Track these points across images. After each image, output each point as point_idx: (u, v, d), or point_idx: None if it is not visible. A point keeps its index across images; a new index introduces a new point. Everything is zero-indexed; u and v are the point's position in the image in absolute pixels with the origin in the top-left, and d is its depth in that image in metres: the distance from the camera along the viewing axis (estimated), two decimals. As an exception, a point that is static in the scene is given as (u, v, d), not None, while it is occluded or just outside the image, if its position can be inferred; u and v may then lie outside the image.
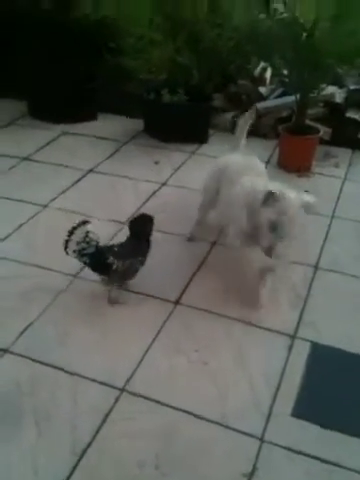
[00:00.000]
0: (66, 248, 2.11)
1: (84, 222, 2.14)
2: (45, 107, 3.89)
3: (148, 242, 2.23)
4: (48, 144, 3.58)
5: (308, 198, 2.03)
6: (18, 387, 1.85)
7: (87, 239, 2.11)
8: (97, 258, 2.13)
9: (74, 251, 2.11)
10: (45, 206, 2.90)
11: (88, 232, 2.12)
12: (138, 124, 3.88)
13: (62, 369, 1.93)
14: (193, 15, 4.01)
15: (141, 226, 2.23)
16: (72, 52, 4.02)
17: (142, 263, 2.21)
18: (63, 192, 3.04)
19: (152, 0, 4.33)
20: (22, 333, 2.07)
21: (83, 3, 4.44)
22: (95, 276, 2.29)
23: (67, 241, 2.10)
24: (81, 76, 3.89)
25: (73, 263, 2.41)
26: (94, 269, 2.18)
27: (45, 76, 3.85)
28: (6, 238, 2.62)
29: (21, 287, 2.30)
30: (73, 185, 3.12)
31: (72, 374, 1.91)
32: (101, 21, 4.44)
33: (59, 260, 2.43)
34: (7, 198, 2.94)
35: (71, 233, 2.10)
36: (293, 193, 2.02)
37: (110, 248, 2.18)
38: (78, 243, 2.10)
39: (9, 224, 2.71)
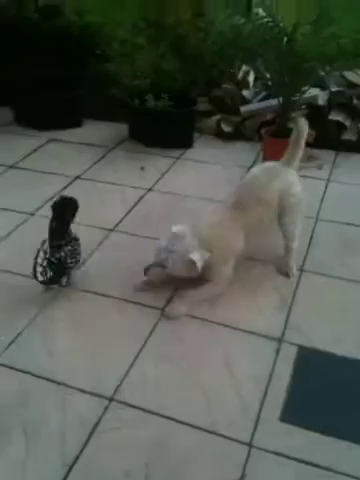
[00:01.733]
0: (36, 278, 2.18)
1: (43, 242, 2.22)
2: (31, 114, 3.88)
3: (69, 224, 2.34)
4: (35, 151, 3.58)
5: (196, 258, 2.16)
6: (6, 399, 1.85)
7: (47, 256, 2.19)
8: (56, 265, 2.22)
9: (41, 274, 2.17)
10: (32, 214, 2.89)
11: (45, 250, 2.20)
12: (123, 130, 3.88)
13: (50, 380, 1.93)
14: (177, 20, 4.03)
15: (66, 209, 2.34)
16: (58, 59, 4.03)
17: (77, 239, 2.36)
18: (50, 199, 3.03)
19: (135, 5, 4.35)
20: (10, 344, 2.07)
21: (68, 11, 4.46)
22: (82, 284, 2.32)
23: (35, 273, 2.16)
24: (66, 83, 3.89)
25: (60, 272, 2.43)
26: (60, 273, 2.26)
27: (31, 83, 3.85)
28: (-6, 247, 2.62)
29: (9, 297, 2.30)
30: (60, 192, 3.12)
31: (60, 384, 1.91)
32: (86, 28, 4.46)
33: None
34: (-7, 207, 2.94)
35: (35, 265, 2.16)
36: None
37: (52, 249, 2.24)
38: (41, 265, 2.17)
39: (-3, 233, 2.71)
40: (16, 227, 2.79)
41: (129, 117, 3.83)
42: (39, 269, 2.16)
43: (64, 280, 2.31)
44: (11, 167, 3.38)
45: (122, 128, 3.89)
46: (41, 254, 2.18)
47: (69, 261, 2.27)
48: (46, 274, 2.19)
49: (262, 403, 1.85)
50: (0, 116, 4.01)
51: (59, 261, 2.23)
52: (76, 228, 2.76)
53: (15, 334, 2.11)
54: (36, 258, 2.16)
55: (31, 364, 1.99)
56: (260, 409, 1.83)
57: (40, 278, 2.18)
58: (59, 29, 4.42)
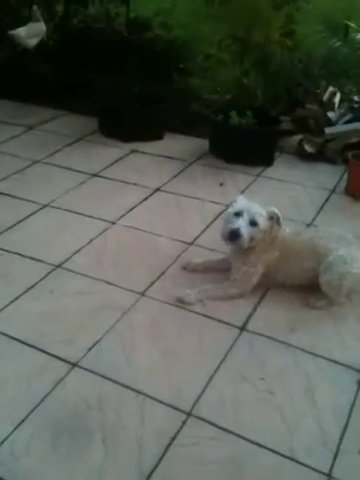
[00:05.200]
0: None
1: None
2: (115, 125, 3.99)
3: None
4: (117, 161, 3.67)
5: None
6: (86, 403, 1.90)
7: None
8: None
9: None
10: (113, 223, 2.97)
11: None
12: (203, 144, 3.91)
13: (129, 387, 1.96)
14: (265, 38, 4.04)
15: None
16: (143, 72, 4.14)
17: None
18: (131, 209, 3.11)
19: (224, 22, 4.41)
20: (90, 349, 2.12)
21: (157, 25, 4.59)
22: (162, 296, 2.35)
23: None
24: (150, 96, 3.98)
25: (141, 281, 2.49)
26: None
27: (116, 94, 3.97)
28: (78, 252, 2.70)
29: (91, 302, 2.36)
30: (141, 203, 3.18)
31: (139, 393, 1.94)
32: (172, 42, 4.57)
33: (127, 278, 2.52)
34: (78, 213, 3.04)
35: None
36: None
37: None
38: None
39: (81, 239, 2.79)
40: (98, 235, 2.86)
41: (211, 132, 3.86)
42: None
43: None
44: (94, 175, 3.49)
45: (202, 143, 3.92)
46: None
47: None
48: None
49: (342, 434, 1.80)
50: (85, 126, 4.15)
51: None
52: (156, 239, 2.83)
53: (96, 338, 2.16)
54: None
55: (110, 370, 2.03)
56: (340, 440, 1.78)
57: None
58: (145, 42, 4.55)
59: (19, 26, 4.38)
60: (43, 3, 4.51)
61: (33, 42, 4.41)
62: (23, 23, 4.40)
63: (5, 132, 4.00)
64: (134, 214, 3.08)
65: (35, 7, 4.37)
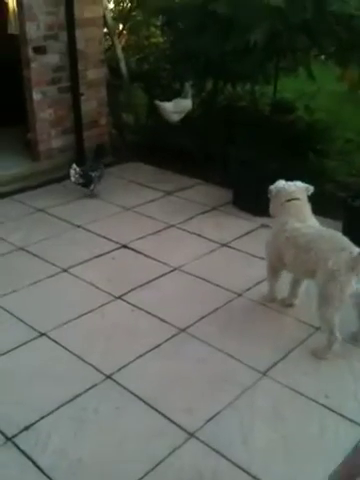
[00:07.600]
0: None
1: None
2: (247, 198, 4.10)
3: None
4: (247, 234, 3.74)
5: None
6: (200, 477, 1.87)
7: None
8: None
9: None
10: (240, 295, 2.99)
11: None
12: (334, 225, 3.77)
13: (243, 469, 1.91)
14: None
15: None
16: (280, 150, 4.24)
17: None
18: (258, 283, 3.11)
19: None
20: (208, 421, 2.11)
21: (299, 105, 4.75)
22: (286, 380, 2.30)
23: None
24: (285, 173, 4.04)
25: (263, 360, 2.45)
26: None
27: (251, 170, 4.09)
28: (202, 318, 2.76)
29: (212, 373, 2.37)
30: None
31: (253, 477, 1.87)
32: (312, 124, 4.67)
33: (249, 353, 2.50)
34: (206, 280, 3.12)
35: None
36: None
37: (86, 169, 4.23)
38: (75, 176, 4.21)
39: (206, 306, 2.85)
40: (223, 304, 2.90)
41: (345, 215, 3.81)
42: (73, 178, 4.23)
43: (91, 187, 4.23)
44: (224, 245, 3.57)
45: (333, 224, 3.82)
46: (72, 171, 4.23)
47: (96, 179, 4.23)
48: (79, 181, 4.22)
49: None
50: (219, 196, 4.31)
51: (89, 176, 4.20)
52: (283, 318, 2.80)
53: (215, 411, 2.15)
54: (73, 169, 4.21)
55: (227, 447, 2.00)
56: None
57: (73, 180, 4.23)
58: (286, 123, 4.70)
59: (168, 99, 4.80)
60: (196, 80, 4.87)
61: (177, 117, 4.77)
62: (172, 97, 4.80)
63: (146, 195, 4.29)
64: (261, 289, 3.06)
65: (187, 84, 4.77)
